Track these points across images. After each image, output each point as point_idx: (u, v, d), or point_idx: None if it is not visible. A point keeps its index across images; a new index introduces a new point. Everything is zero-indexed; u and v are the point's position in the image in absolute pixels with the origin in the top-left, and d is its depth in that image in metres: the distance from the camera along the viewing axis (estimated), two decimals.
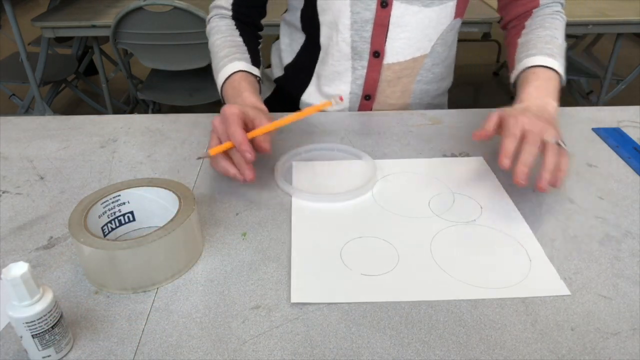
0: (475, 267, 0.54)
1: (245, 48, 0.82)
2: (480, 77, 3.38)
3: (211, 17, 0.89)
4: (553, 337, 0.47)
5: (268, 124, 0.65)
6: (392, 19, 0.80)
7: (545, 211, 0.63)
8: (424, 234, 0.59)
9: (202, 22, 1.76)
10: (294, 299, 0.50)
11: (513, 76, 0.79)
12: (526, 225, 0.60)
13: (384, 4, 0.78)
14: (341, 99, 0.67)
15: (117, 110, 2.61)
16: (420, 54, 0.86)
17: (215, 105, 2.04)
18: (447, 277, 0.53)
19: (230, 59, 0.79)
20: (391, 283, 0.52)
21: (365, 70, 0.86)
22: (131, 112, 2.64)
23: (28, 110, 2.40)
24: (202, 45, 1.85)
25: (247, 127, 0.64)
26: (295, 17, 0.89)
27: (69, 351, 0.45)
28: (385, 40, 0.82)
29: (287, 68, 0.94)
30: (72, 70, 2.52)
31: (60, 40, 2.60)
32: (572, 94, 2.65)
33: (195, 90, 2.09)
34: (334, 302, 0.50)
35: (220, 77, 0.79)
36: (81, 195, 0.67)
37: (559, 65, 0.75)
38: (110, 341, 0.46)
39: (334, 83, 0.89)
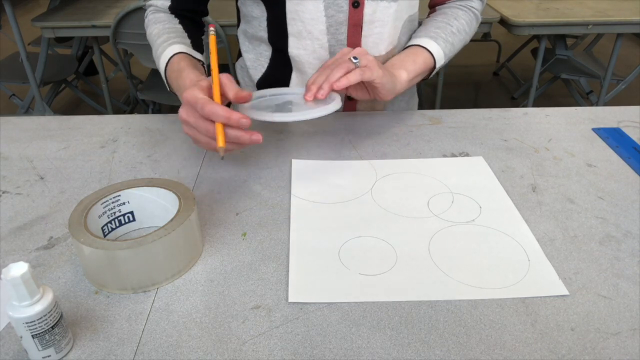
0: (474, 267, 0.54)
1: (184, 34, 0.79)
2: (480, 77, 3.38)
3: (147, 13, 0.86)
4: (553, 337, 0.47)
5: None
6: (365, 18, 0.80)
7: (545, 211, 0.63)
8: (422, 234, 0.59)
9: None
10: (291, 299, 0.50)
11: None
12: (525, 225, 0.60)
13: (356, 4, 0.78)
14: (212, 26, 0.66)
15: (117, 110, 2.61)
16: (392, 46, 0.86)
17: None
18: (445, 277, 0.53)
19: (168, 44, 0.76)
20: (389, 283, 0.52)
21: None
22: (131, 112, 2.64)
23: (28, 110, 2.40)
24: None
25: None
26: (258, 28, 0.84)
27: (69, 351, 0.45)
28: (360, 39, 0.82)
29: (259, 84, 0.90)
30: (72, 70, 2.52)
31: (60, 40, 2.60)
32: (572, 94, 2.65)
33: None
34: (332, 302, 0.50)
35: (161, 65, 0.76)
36: (81, 195, 0.67)
37: (435, 46, 0.80)
38: (110, 341, 0.46)
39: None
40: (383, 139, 0.80)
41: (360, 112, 0.89)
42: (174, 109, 2.45)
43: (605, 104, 2.36)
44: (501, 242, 0.58)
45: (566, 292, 0.51)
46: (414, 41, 0.82)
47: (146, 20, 0.86)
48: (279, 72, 0.87)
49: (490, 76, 3.39)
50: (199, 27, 0.87)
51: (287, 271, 0.54)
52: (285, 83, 0.88)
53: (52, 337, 0.43)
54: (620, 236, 0.59)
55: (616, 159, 0.74)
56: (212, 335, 0.47)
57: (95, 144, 0.79)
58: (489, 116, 0.87)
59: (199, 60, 0.77)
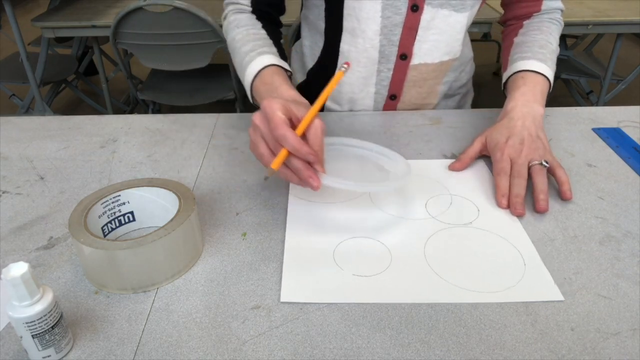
0: (468, 270, 0.54)
1: (270, 41, 0.77)
2: (480, 77, 3.38)
3: (227, 13, 0.82)
4: (553, 337, 0.47)
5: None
6: (422, 23, 0.79)
7: None
8: (419, 236, 0.59)
9: (202, 22, 1.76)
10: (283, 298, 0.50)
11: (505, 77, 0.82)
12: (522, 229, 0.60)
13: (415, 7, 0.77)
14: (347, 64, 0.61)
15: (117, 110, 2.61)
16: (450, 57, 0.85)
17: (215, 105, 2.04)
18: (438, 279, 0.53)
19: (257, 53, 0.73)
20: (382, 284, 0.52)
21: (391, 72, 0.85)
22: (131, 112, 2.64)
23: (28, 110, 2.40)
24: (202, 45, 1.85)
25: (292, 124, 0.57)
26: (316, 16, 0.85)
27: (69, 351, 0.45)
28: (414, 43, 0.81)
29: (310, 74, 0.92)
30: (72, 70, 2.52)
31: (60, 40, 2.60)
32: (572, 94, 2.65)
33: (195, 91, 2.09)
34: (324, 302, 0.50)
35: (248, 74, 0.73)
36: (81, 195, 0.67)
37: (549, 71, 0.77)
38: (110, 341, 0.46)
39: (358, 87, 0.87)
40: (383, 139, 0.80)
41: (360, 112, 0.89)
42: (174, 109, 2.46)
43: (605, 104, 2.35)
44: (497, 245, 0.58)
45: (561, 298, 0.51)
46: (526, 65, 0.77)
47: (225, 22, 0.82)
48: (327, 66, 0.88)
49: (490, 76, 3.39)
50: (279, 28, 0.84)
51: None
52: (330, 77, 0.88)
53: (52, 337, 0.43)
54: (620, 236, 0.59)
55: (616, 159, 0.74)
56: (212, 335, 0.47)
57: (95, 144, 0.79)
58: (489, 116, 0.87)
59: (287, 71, 0.73)
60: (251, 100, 0.75)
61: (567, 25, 2.12)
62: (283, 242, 0.58)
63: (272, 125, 0.55)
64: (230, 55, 0.79)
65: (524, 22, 0.85)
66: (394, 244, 0.58)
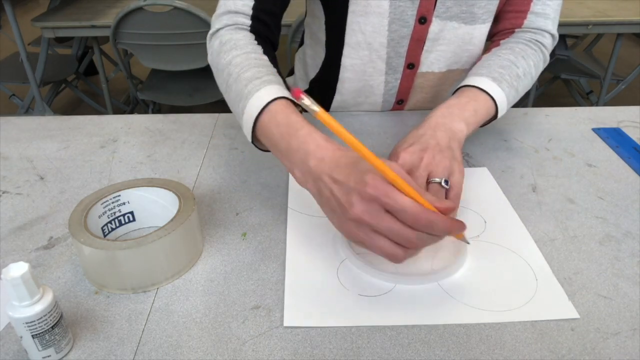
0: (478, 287, 0.52)
1: (274, 69, 0.66)
2: None
3: (222, 28, 0.71)
4: (553, 337, 0.47)
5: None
6: (430, 35, 0.77)
7: (545, 211, 0.63)
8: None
9: (202, 22, 1.76)
10: (287, 322, 0.48)
11: (452, 90, 0.78)
12: (532, 242, 0.58)
13: (423, 20, 0.76)
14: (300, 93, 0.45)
15: (117, 110, 2.61)
16: (457, 67, 0.83)
17: (215, 105, 2.04)
18: (448, 298, 0.51)
19: (263, 82, 0.61)
20: (389, 305, 0.50)
21: (398, 82, 0.84)
22: (131, 112, 2.64)
23: (28, 110, 2.40)
24: (202, 45, 1.84)
25: None
26: (318, 27, 0.83)
27: (69, 351, 0.45)
28: (421, 53, 0.80)
29: (312, 83, 0.91)
30: (72, 70, 2.52)
31: (60, 40, 2.60)
32: (572, 94, 2.65)
33: (195, 91, 2.09)
34: (330, 326, 0.48)
35: (252, 104, 0.60)
36: (81, 195, 0.67)
37: (500, 93, 0.69)
38: (110, 341, 0.46)
39: (365, 95, 0.87)
40: (383, 139, 0.80)
41: (359, 112, 0.89)
42: (174, 109, 2.46)
43: (605, 104, 2.35)
44: (508, 259, 0.55)
45: (577, 315, 0.49)
46: (474, 81, 0.70)
47: (217, 42, 0.70)
48: (329, 77, 0.87)
49: None
50: (276, 47, 0.76)
51: (286, 271, 0.54)
52: (333, 88, 0.87)
53: (52, 337, 0.43)
54: (620, 236, 0.59)
55: (616, 159, 0.74)
56: (212, 335, 0.47)
57: (95, 144, 0.79)
58: None
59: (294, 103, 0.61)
60: (249, 139, 0.61)
61: (567, 25, 2.12)
62: (283, 242, 0.58)
63: (408, 215, 0.46)
64: (219, 78, 0.68)
65: (501, 41, 0.79)
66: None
